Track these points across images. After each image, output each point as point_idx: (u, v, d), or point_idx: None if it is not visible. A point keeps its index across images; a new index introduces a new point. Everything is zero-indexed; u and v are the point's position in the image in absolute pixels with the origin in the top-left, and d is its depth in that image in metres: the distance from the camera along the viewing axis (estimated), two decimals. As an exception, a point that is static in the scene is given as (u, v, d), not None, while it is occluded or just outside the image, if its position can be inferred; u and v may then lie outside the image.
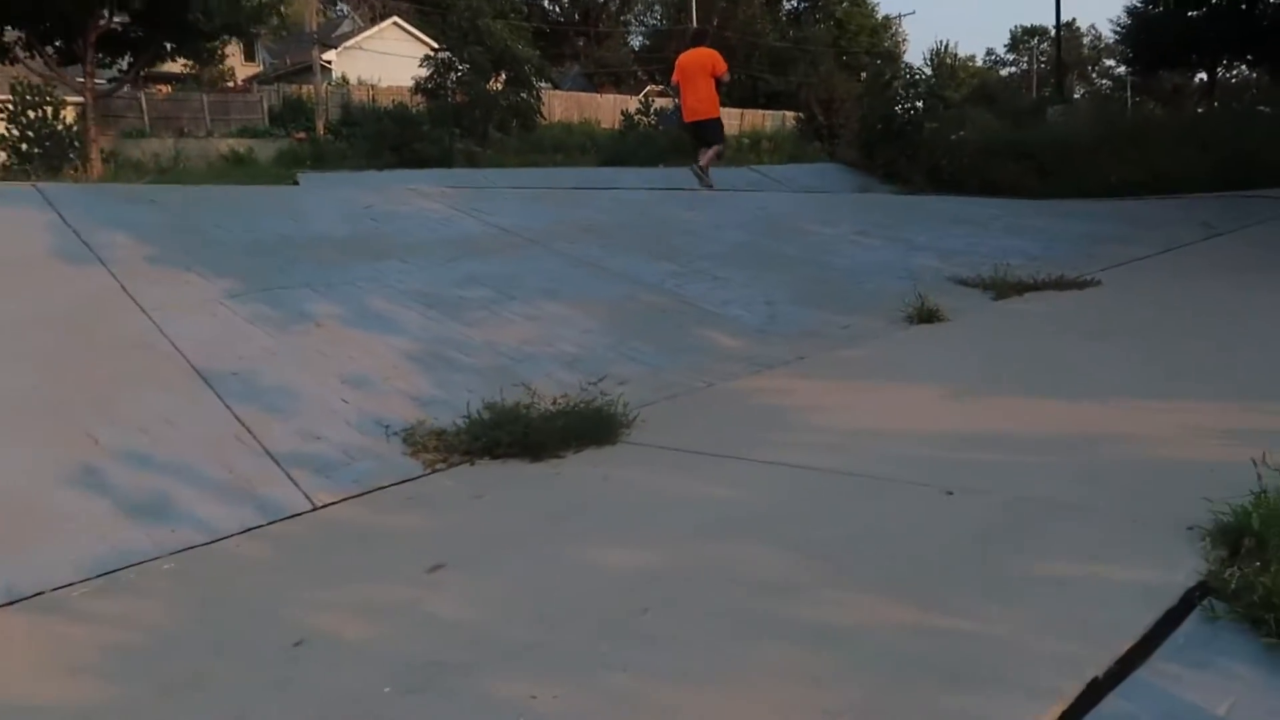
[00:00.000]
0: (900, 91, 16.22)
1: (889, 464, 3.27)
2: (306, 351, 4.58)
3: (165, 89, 39.61)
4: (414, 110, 27.13)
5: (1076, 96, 24.86)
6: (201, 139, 33.77)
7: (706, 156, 11.58)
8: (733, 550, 2.64)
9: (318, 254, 6.15)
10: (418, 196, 8.08)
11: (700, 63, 11.54)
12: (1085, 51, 79.43)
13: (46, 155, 17.01)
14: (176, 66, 42.40)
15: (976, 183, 15.25)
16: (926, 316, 5.91)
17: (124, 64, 17.94)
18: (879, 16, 62.49)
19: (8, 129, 17.52)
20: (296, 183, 10.50)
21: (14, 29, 16.14)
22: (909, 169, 15.97)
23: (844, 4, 60.99)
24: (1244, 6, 19.96)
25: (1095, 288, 6.82)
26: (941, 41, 65.17)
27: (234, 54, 44.54)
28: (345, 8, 48.44)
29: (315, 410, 3.97)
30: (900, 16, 63.41)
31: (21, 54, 16.42)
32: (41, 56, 16.75)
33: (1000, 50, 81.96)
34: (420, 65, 31.16)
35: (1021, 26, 78.70)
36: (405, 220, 7.27)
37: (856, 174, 16.59)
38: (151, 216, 6.50)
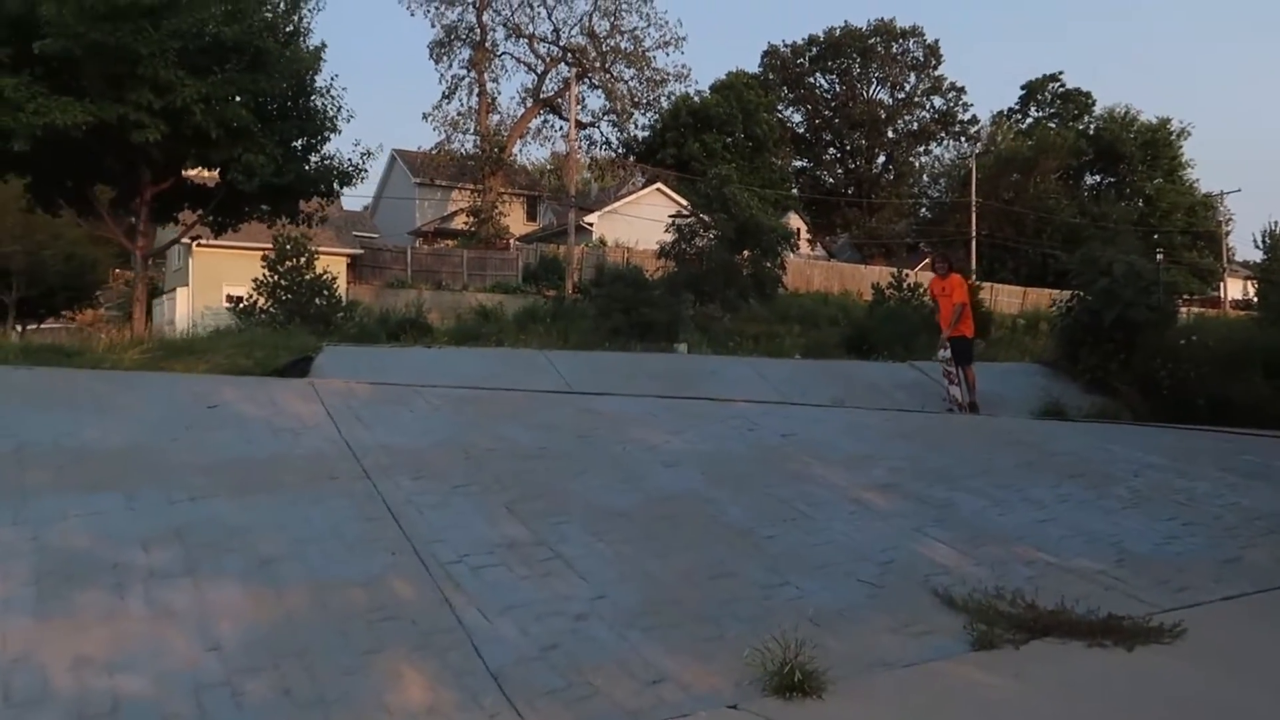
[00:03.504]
0: (1120, 281, 13.06)
1: None
2: None
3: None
4: (653, 275, 26.74)
5: None
6: (456, 292, 35.39)
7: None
8: None
9: (29, 473, 4.81)
10: (302, 397, 6.66)
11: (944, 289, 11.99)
12: None
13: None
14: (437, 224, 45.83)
15: (1204, 402, 11.77)
16: (790, 685, 3.54)
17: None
18: (1198, 194, 56.22)
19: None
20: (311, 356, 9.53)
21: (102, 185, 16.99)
22: (1119, 377, 12.68)
23: (1156, 180, 55.53)
24: None
25: (1167, 646, 4.04)
26: (1276, 222, 57.21)
27: (513, 212, 47.55)
28: (590, 177, 50.34)
29: None
30: (1223, 194, 56.32)
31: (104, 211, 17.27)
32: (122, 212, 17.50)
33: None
34: (666, 230, 31.05)
35: (1391, 207, 67.94)
36: (236, 428, 5.86)
37: (1055, 379, 13.44)
38: None
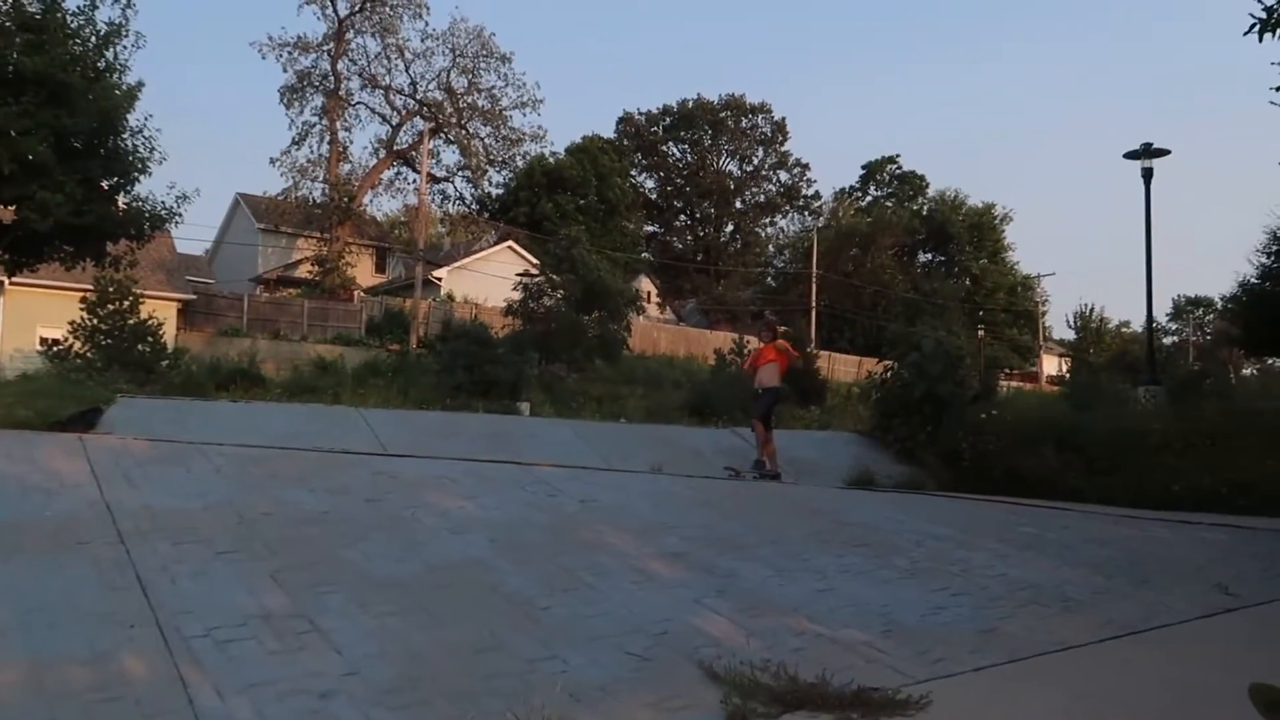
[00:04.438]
0: (929, 357, 13.74)
1: None
2: None
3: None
4: (499, 332, 26.44)
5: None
6: (295, 342, 34.18)
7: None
8: None
9: None
10: (67, 453, 6.23)
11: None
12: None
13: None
14: (281, 271, 44.49)
15: (1002, 474, 12.44)
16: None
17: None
18: (1018, 275, 60.24)
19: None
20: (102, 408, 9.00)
21: None
22: (926, 449, 13.29)
23: (981, 261, 59.23)
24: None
25: (910, 719, 4.14)
26: (1087, 305, 61.77)
27: (361, 263, 46.55)
28: (443, 231, 50.14)
29: None
30: (1040, 276, 60.54)
31: None
32: None
33: (1162, 318, 77.40)
34: (513, 289, 30.92)
35: (1185, 296, 74.45)
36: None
37: (868, 449, 14.00)
38: None
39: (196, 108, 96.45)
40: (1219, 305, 45.10)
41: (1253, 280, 18.76)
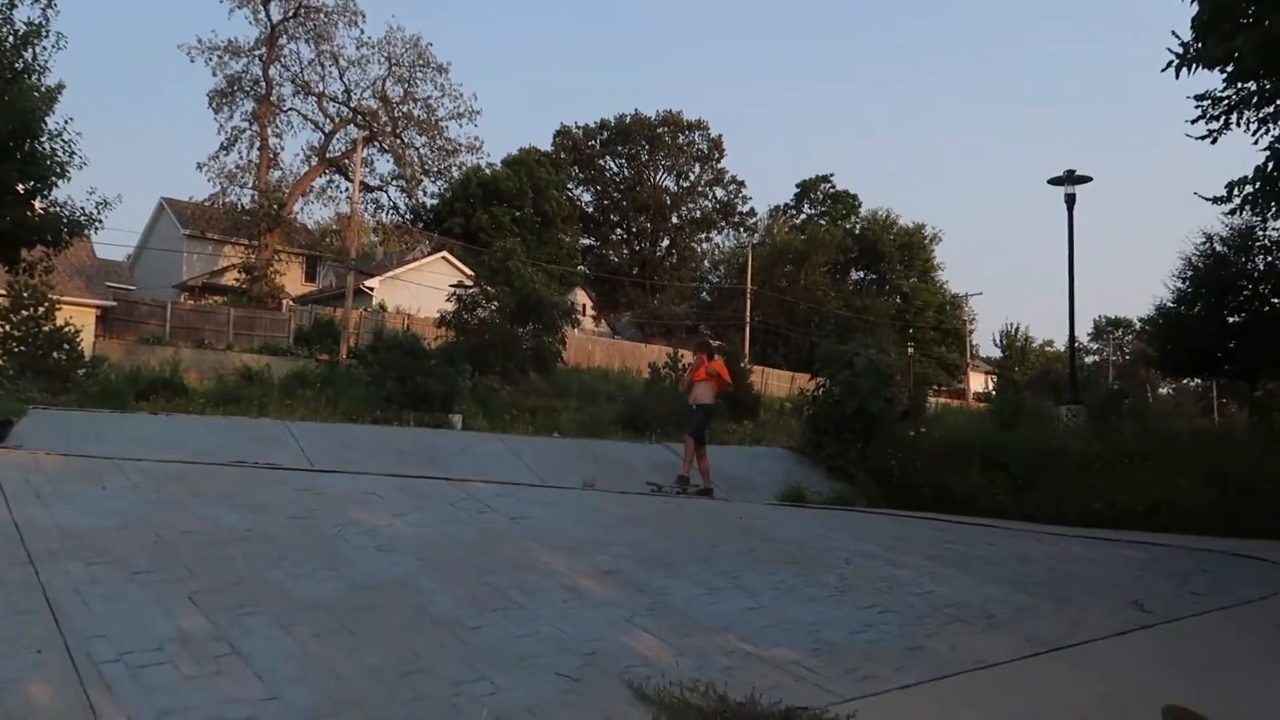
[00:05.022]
0: (861, 375, 13.92)
1: None
2: None
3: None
4: (432, 343, 26.09)
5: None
6: (220, 351, 33.38)
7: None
8: None
9: None
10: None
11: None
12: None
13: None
14: (226, 278, 43.59)
15: (929, 491, 12.66)
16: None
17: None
18: (947, 294, 61.55)
19: None
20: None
21: None
22: (857, 465, 13.46)
23: (911, 280, 60.39)
24: (1289, 315, 17.51)
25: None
26: (1013, 324, 63.46)
27: (291, 272, 45.72)
28: (376, 240, 49.57)
29: None
30: (968, 295, 61.95)
31: None
32: None
33: (1084, 339, 79.63)
34: (447, 300, 30.60)
35: (1106, 317, 76.78)
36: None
37: (800, 464, 14.14)
38: None
39: (120, 111, 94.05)
40: (1137, 326, 46.64)
41: (1168, 304, 19.44)
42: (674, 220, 64.87)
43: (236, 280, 42.38)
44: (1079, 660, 5.52)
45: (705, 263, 65.15)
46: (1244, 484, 11.32)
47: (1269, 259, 18.38)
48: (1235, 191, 10.55)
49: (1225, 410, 37.47)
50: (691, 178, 65.11)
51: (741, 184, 66.28)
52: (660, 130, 62.94)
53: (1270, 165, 10.17)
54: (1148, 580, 7.90)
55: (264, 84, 42.90)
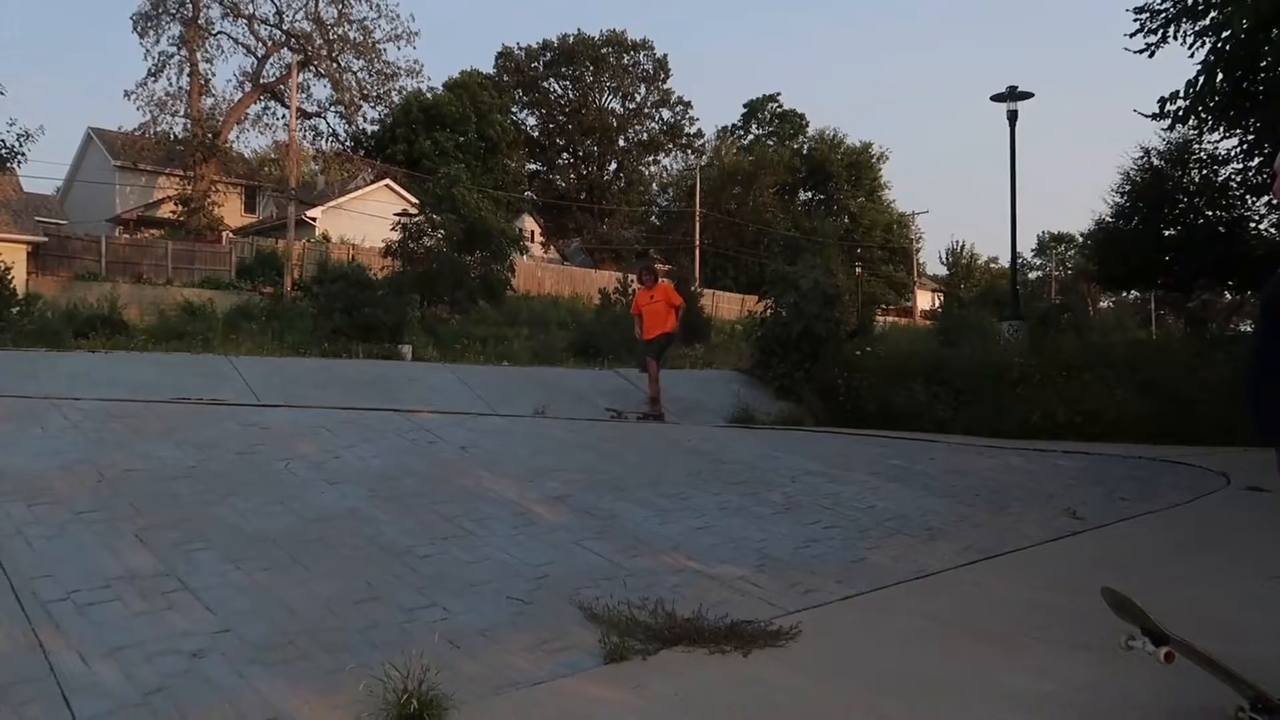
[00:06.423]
0: (807, 296, 14.05)
1: None
2: None
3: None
4: (378, 274, 25.74)
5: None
6: (159, 286, 32.67)
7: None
8: None
9: None
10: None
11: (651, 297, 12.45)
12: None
13: None
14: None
15: (874, 409, 12.92)
16: (408, 714, 3.44)
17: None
18: (894, 213, 61.88)
19: None
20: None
21: None
22: (804, 386, 13.67)
23: (859, 199, 60.56)
24: (1222, 230, 17.90)
25: (780, 649, 4.30)
26: (959, 241, 64.17)
27: (229, 203, 44.56)
28: (316, 169, 48.46)
29: None
30: (914, 214, 62.32)
31: None
32: None
33: (1028, 255, 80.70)
34: (392, 229, 30.12)
35: (1049, 233, 77.79)
36: None
37: (749, 386, 14.31)
38: None
39: (41, 36, 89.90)
40: (1080, 242, 47.42)
41: (1107, 219, 19.76)
42: (621, 143, 64.11)
43: (173, 213, 41.27)
44: (1012, 566, 5.75)
45: (654, 186, 64.75)
46: (1176, 392, 11.70)
47: (1204, 172, 18.72)
48: (1168, 106, 10.71)
49: (1163, 322, 38.49)
50: (637, 99, 64.21)
51: (688, 105, 65.53)
52: (604, 50, 61.76)
53: (1201, 80, 10.31)
54: (1080, 489, 8.19)
55: (190, 6, 41.28)
